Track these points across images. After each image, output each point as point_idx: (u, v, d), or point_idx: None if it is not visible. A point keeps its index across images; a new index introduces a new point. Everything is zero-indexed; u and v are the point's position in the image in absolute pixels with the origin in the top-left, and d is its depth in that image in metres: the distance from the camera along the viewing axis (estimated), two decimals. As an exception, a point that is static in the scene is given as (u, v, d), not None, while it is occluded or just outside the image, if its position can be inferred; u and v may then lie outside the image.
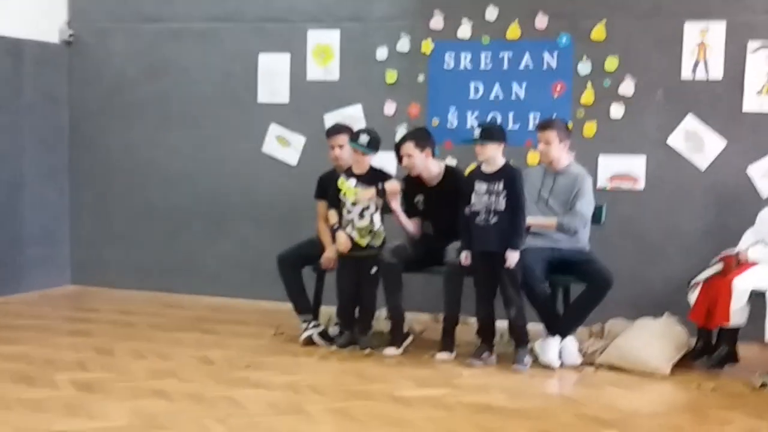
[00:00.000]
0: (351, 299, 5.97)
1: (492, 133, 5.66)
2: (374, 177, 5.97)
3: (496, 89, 6.98)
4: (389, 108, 7.23)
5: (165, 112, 7.89)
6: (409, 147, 6.04)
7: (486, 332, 5.75)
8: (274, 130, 7.54)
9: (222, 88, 7.71)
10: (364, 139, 5.93)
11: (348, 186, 5.96)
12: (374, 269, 5.89)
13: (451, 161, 6.77)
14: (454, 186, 5.92)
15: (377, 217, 5.93)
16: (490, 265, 5.61)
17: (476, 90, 7.03)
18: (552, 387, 5.41)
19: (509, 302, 5.58)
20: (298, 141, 7.48)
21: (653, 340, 5.61)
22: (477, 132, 5.66)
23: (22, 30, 7.66)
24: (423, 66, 7.14)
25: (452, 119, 7.08)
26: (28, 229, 7.77)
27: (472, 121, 6.96)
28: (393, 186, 5.97)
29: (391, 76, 7.22)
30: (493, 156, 5.63)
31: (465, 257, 5.68)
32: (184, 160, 7.84)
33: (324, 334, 6.06)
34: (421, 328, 6.34)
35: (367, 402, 4.80)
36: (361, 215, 5.90)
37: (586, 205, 5.91)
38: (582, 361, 5.68)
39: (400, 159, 6.12)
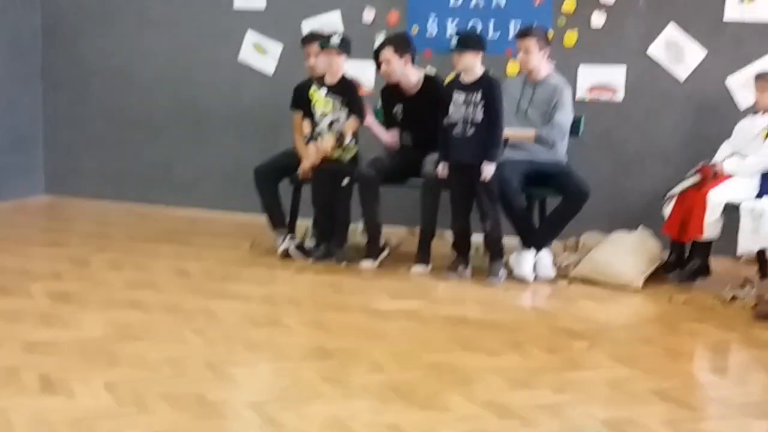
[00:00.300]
0: (325, 212, 5.95)
1: (469, 41, 5.55)
2: (345, 88, 5.89)
3: (477, -4, 6.86)
4: (368, 15, 7.09)
5: (142, 15, 7.71)
6: (387, 52, 5.94)
7: (461, 246, 5.75)
8: (251, 37, 7.40)
9: (199, -9, 7.54)
10: (335, 39, 5.85)
11: (319, 96, 5.89)
12: (345, 181, 5.85)
13: (431, 70, 6.67)
14: (434, 95, 5.84)
15: (342, 121, 5.88)
16: (466, 177, 5.56)
17: (457, -3, 6.89)
18: (526, 300, 5.46)
19: (485, 215, 5.56)
20: (276, 48, 7.35)
21: (626, 253, 5.64)
22: (454, 41, 5.56)
23: (-11, -71, 7.43)
24: (403, -28, 6.99)
25: (432, 27, 6.95)
26: (1, 135, 7.65)
27: (452, 29, 6.84)
28: (325, 143, 5.89)
29: (370, -19, 7.07)
30: (471, 65, 5.53)
31: (442, 168, 5.64)
32: (162, 66, 7.70)
33: (300, 247, 6.06)
34: (398, 241, 6.35)
35: (343, 314, 4.84)
36: (330, 127, 5.87)
37: (565, 117, 5.86)
38: (556, 275, 5.72)
39: (378, 66, 6.03)
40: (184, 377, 3.81)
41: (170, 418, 3.38)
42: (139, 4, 7.70)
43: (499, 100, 5.54)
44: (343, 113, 5.87)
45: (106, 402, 3.50)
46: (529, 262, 5.66)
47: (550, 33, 6.31)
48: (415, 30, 6.95)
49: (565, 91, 5.88)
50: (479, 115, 5.49)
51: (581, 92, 6.62)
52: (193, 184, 7.69)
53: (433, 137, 5.72)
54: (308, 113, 5.95)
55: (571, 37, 6.64)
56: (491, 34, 6.79)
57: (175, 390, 3.63)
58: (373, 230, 5.92)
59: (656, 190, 6.07)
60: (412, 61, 6.00)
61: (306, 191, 6.20)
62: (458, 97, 5.56)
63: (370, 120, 6.04)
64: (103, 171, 7.92)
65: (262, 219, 6.29)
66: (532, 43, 5.84)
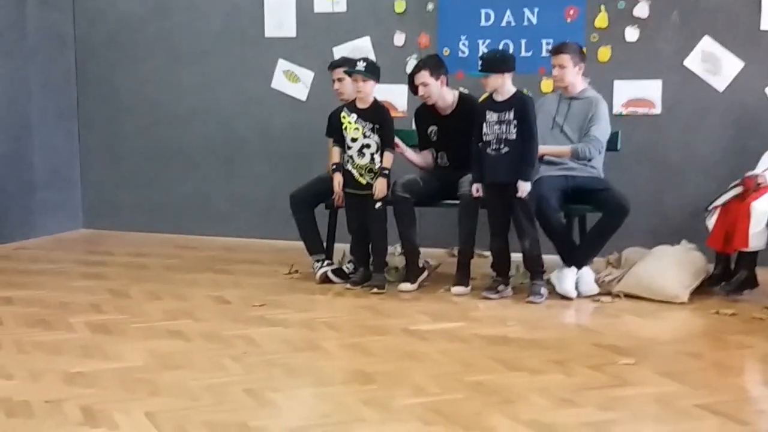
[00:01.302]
0: (361, 236, 5.91)
1: (492, 63, 5.46)
2: (377, 113, 5.82)
3: (508, 15, 6.84)
4: (399, 39, 7.10)
5: (173, 49, 7.79)
6: (424, 76, 5.89)
7: (501, 265, 5.69)
8: (282, 65, 7.43)
9: (229, 23, 7.59)
10: (361, 64, 5.75)
11: (349, 120, 5.83)
12: (378, 205, 5.78)
13: (464, 90, 6.64)
14: (469, 114, 5.79)
15: (378, 157, 5.79)
16: (501, 196, 5.52)
17: (487, 17, 6.88)
18: (569, 317, 5.37)
19: (523, 233, 5.50)
20: (307, 76, 7.37)
21: (670, 267, 5.54)
22: (479, 63, 5.52)
23: (23, -29, 7.55)
24: (432, -6, 6.99)
25: (463, 48, 6.95)
26: (38, 173, 7.75)
27: (483, 49, 6.82)
28: (380, 188, 5.77)
29: (399, 5, 7.08)
30: (500, 86, 5.48)
31: (476, 189, 5.60)
32: (194, 99, 7.76)
33: (338, 272, 6.03)
34: (436, 262, 6.30)
35: (383, 337, 4.78)
36: (361, 153, 5.80)
37: (602, 131, 5.79)
38: (599, 291, 5.63)
39: (414, 89, 6.00)
40: (225, 405, 3.77)
41: (211, 446, 3.35)
42: (170, 39, 7.77)
43: (532, 118, 5.49)
44: (374, 138, 5.80)
45: None
46: (570, 279, 5.58)
47: (584, 49, 6.25)
48: (446, 52, 6.94)
49: (601, 105, 5.82)
50: (513, 134, 5.45)
51: (617, 107, 6.56)
52: (230, 214, 7.72)
53: (469, 157, 5.67)
54: (337, 140, 5.91)
55: (605, 53, 6.60)
56: (523, 52, 6.77)
57: (216, 418, 3.60)
58: (411, 252, 5.87)
59: (698, 202, 5.98)
60: (447, 82, 5.98)
61: (342, 216, 6.17)
62: (491, 116, 5.52)
63: (401, 146, 6.01)
64: (139, 204, 7.98)
65: (299, 245, 6.27)
66: (566, 59, 5.80)
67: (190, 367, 4.30)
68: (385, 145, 5.79)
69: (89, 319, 5.13)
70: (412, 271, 5.88)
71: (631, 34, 6.56)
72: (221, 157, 7.73)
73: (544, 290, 5.54)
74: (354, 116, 5.82)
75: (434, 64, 5.96)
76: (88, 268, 6.68)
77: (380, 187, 5.74)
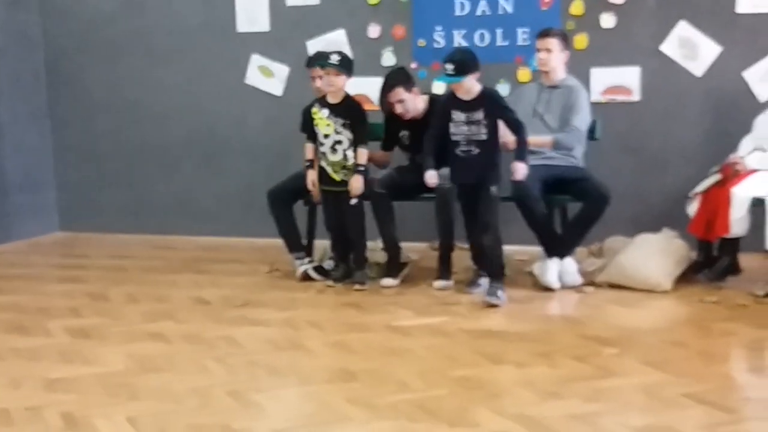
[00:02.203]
0: (339, 233, 5.86)
1: (465, 66, 5.26)
2: (349, 109, 5.69)
3: (483, 5, 6.78)
4: (373, 31, 7.04)
5: (146, 46, 7.70)
6: (399, 92, 5.73)
7: (480, 258, 5.62)
8: (256, 60, 7.36)
9: (202, 18, 7.50)
10: (335, 57, 5.62)
11: (321, 116, 5.72)
12: (354, 201, 5.69)
13: (440, 84, 6.58)
14: None
15: (351, 153, 5.68)
16: (472, 195, 5.40)
17: (462, 6, 6.82)
18: (552, 309, 5.34)
19: (486, 228, 5.35)
20: (282, 71, 7.30)
21: (653, 255, 5.53)
22: (450, 68, 5.26)
23: (-12, -30, 7.45)
24: (406, -15, 6.93)
25: (438, 39, 6.89)
26: (10, 176, 7.64)
27: (459, 40, 6.78)
28: (355, 185, 5.67)
29: (373, -3, 7.02)
30: (471, 86, 5.33)
31: (431, 176, 5.44)
32: (170, 96, 7.67)
33: (319, 269, 5.98)
34: (417, 257, 6.26)
35: (366, 334, 4.74)
36: (333, 149, 5.69)
37: (582, 120, 5.76)
38: (582, 281, 5.60)
39: (390, 106, 5.87)
40: (209, 407, 3.73)
41: (194, 451, 3.30)
42: (143, 37, 7.68)
43: (506, 108, 5.38)
44: (346, 134, 5.68)
45: (129, 437, 3.43)
46: (553, 270, 5.55)
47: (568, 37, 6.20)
48: (422, 43, 6.90)
49: (582, 93, 5.79)
50: (482, 134, 5.32)
51: (595, 95, 6.52)
52: (208, 212, 7.65)
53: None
54: (310, 136, 5.82)
55: (581, 40, 6.56)
56: (500, 41, 6.73)
57: (199, 421, 3.56)
58: (391, 248, 5.83)
59: (679, 189, 5.98)
60: (419, 92, 5.88)
61: (321, 212, 6.11)
62: (458, 116, 5.37)
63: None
64: (116, 205, 7.89)
65: (279, 243, 6.21)
66: (554, 43, 5.77)
67: (172, 369, 4.25)
68: (359, 141, 5.69)
69: (68, 323, 5.05)
70: (393, 266, 5.83)
71: (607, 20, 6.53)
72: (200, 155, 7.65)
73: (501, 293, 5.27)
74: (325, 111, 5.71)
75: (405, 78, 5.84)
76: (65, 271, 6.59)
77: (356, 184, 5.66)
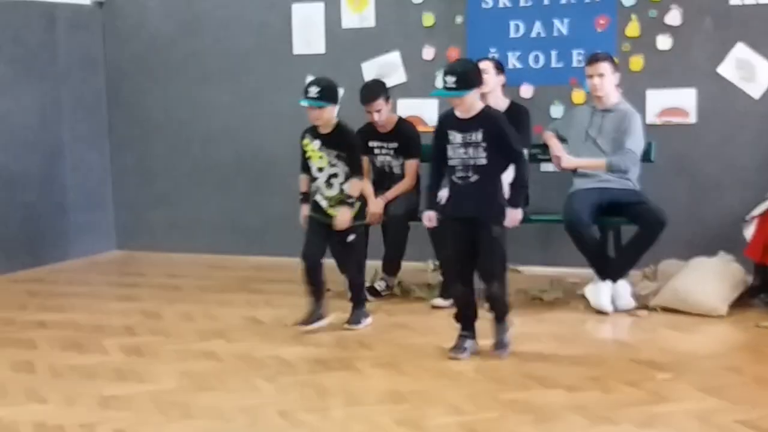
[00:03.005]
0: (315, 266, 5.28)
1: (468, 79, 4.52)
2: (341, 138, 5.19)
3: (538, 26, 6.78)
4: (428, 53, 7.07)
5: (202, 68, 7.81)
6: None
7: (466, 315, 4.76)
8: (312, 82, 7.42)
9: (258, 40, 7.60)
10: (313, 90, 5.08)
11: (312, 148, 5.22)
12: (351, 237, 5.26)
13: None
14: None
15: (348, 187, 5.19)
16: (468, 232, 4.61)
17: (516, 28, 6.82)
18: (605, 332, 5.30)
19: (490, 276, 4.59)
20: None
21: (708, 279, 5.45)
22: (450, 81, 4.51)
23: (54, -6, 7.63)
24: (461, 7, 6.94)
25: (493, 61, 6.89)
26: (71, 195, 7.79)
27: (514, 61, 6.78)
28: (340, 218, 5.19)
29: (428, 19, 7.04)
30: (473, 103, 4.61)
31: (428, 218, 4.84)
32: (224, 117, 7.77)
33: (371, 289, 5.98)
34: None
35: (417, 355, 4.74)
36: (329, 183, 5.21)
37: (636, 144, 5.72)
38: (635, 305, 5.54)
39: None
40: (258, 426, 3.77)
41: (244, 470, 3.33)
42: (199, 57, 7.80)
43: (509, 133, 4.60)
44: (341, 166, 5.19)
45: (180, 455, 3.47)
46: (606, 293, 5.50)
47: (615, 59, 6.17)
48: (476, 65, 6.89)
49: (635, 118, 5.76)
50: (482, 158, 4.53)
51: (651, 117, 6.47)
52: (262, 232, 7.71)
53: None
54: (305, 166, 5.33)
55: (637, 62, 6.52)
56: (554, 63, 6.72)
57: (249, 440, 3.58)
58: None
59: (735, 213, 5.89)
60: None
61: (373, 233, 6.13)
62: (454, 137, 4.61)
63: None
64: (171, 224, 7.99)
65: (331, 263, 6.22)
66: (606, 68, 5.75)
67: (224, 388, 4.29)
68: (353, 172, 5.20)
69: (123, 341, 5.13)
70: (447, 286, 5.81)
71: (664, 42, 6.48)
72: (252, 175, 7.73)
73: (508, 339, 4.72)
74: (317, 143, 5.22)
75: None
76: (121, 290, 6.70)
77: (341, 217, 5.16)
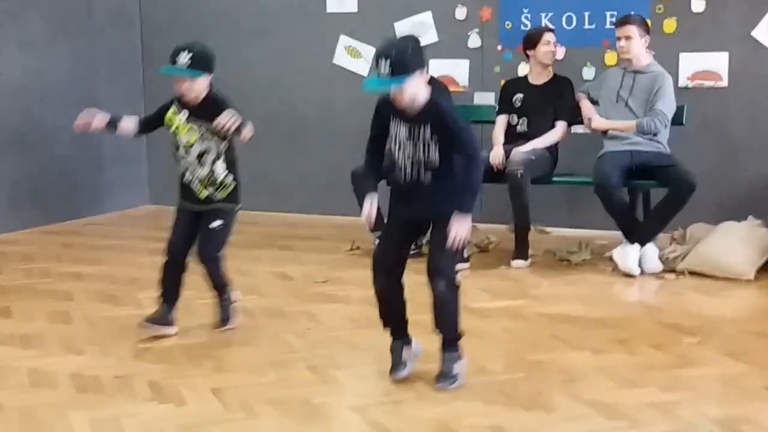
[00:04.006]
0: (178, 266, 4.62)
1: (405, 62, 3.54)
2: (215, 107, 4.38)
3: (571, -13, 6.74)
4: (460, 13, 7.05)
5: (234, 26, 7.83)
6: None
7: (390, 315, 3.96)
8: (344, 41, 7.43)
9: (290, -1, 7.60)
10: (183, 57, 4.31)
11: (178, 120, 4.48)
12: (216, 224, 4.54)
13: (525, 67, 6.59)
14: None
15: (220, 165, 4.47)
16: (412, 233, 3.94)
17: (550, -11, 6.79)
18: (632, 295, 5.33)
19: (438, 272, 3.74)
20: (369, 52, 7.36)
21: (736, 244, 5.45)
22: (384, 68, 3.54)
23: (89, -50, 7.65)
24: (494, -34, 6.91)
25: (525, 21, 6.87)
26: (105, 150, 7.88)
27: (546, 22, 6.74)
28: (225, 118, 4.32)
29: (461, -21, 7.02)
30: (416, 93, 3.63)
31: (365, 215, 3.95)
32: (256, 75, 7.80)
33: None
34: (497, 239, 6.29)
35: (444, 314, 4.79)
36: (200, 161, 4.45)
37: (668, 105, 5.71)
38: (663, 268, 5.56)
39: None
40: (289, 381, 3.84)
41: (277, 423, 3.42)
42: (232, 16, 7.82)
43: (461, 129, 3.65)
44: (214, 142, 4.43)
45: (214, 408, 3.56)
46: (634, 256, 5.52)
47: (647, 22, 6.13)
48: (508, 26, 6.88)
49: (667, 80, 5.74)
50: (434, 156, 3.66)
51: (683, 80, 6.44)
52: (291, 190, 7.77)
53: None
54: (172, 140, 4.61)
55: (670, 24, 6.48)
56: (587, 25, 6.68)
57: (280, 394, 3.67)
58: (522, 228, 5.81)
59: (765, 177, 5.87)
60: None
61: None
62: (399, 129, 3.72)
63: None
64: (203, 179, 8.06)
65: (360, 221, 6.28)
66: (633, 30, 5.73)
67: (255, 343, 4.38)
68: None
69: (156, 295, 5.21)
70: (522, 246, 5.83)
71: (697, 5, 6.42)
72: (283, 134, 7.77)
73: (457, 371, 3.76)
74: (185, 113, 4.46)
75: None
76: (154, 243, 6.74)
77: (225, 118, 4.28)
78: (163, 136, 8.05)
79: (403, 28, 7.02)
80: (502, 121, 6.16)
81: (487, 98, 6.88)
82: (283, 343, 4.35)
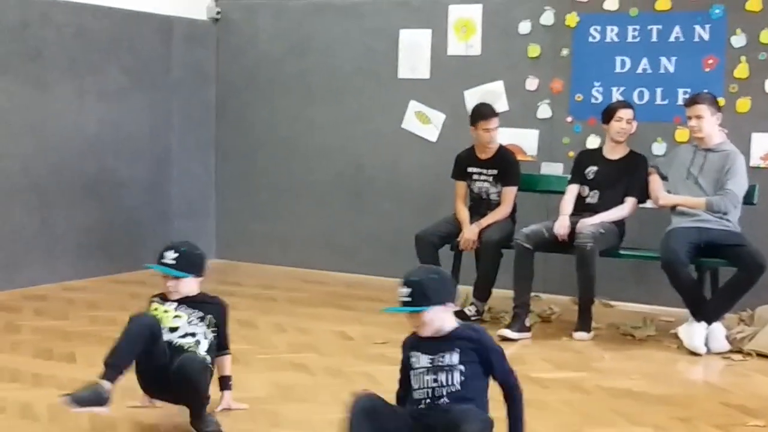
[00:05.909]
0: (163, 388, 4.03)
1: (427, 292, 3.35)
2: (209, 304, 4.22)
3: (644, 63, 6.74)
4: (531, 83, 7.10)
5: (307, 88, 7.98)
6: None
7: None
8: (414, 106, 7.52)
9: (363, 64, 7.73)
10: (170, 256, 4.18)
11: (164, 308, 4.17)
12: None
13: (594, 139, 6.61)
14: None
15: (204, 347, 4.06)
16: None
17: (622, 64, 6.80)
18: (696, 374, 5.23)
19: None
20: (438, 118, 7.44)
21: (806, 328, 5.34)
22: (404, 293, 3.37)
23: (171, 7, 7.89)
24: (567, 40, 6.95)
25: (596, 94, 6.88)
26: (175, 203, 8.04)
27: (618, 96, 6.73)
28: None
29: (533, 50, 7.07)
30: (440, 323, 3.40)
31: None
32: (326, 136, 7.91)
33: (460, 314, 6.02)
34: (560, 310, 6.24)
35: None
36: (184, 338, 4.08)
37: (739, 185, 5.65)
38: (729, 348, 5.44)
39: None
40: (345, 440, 3.81)
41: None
42: (305, 78, 7.96)
43: (496, 355, 3.37)
44: (201, 329, 4.10)
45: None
46: (700, 334, 5.42)
47: (721, 100, 6.09)
48: (579, 98, 6.90)
49: (739, 159, 5.69)
50: (456, 384, 3.30)
51: (755, 160, 6.37)
52: (354, 250, 7.81)
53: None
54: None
55: (744, 104, 6.43)
56: (659, 101, 6.68)
57: (336, 452, 3.65)
58: (585, 300, 5.78)
59: (837, 262, 5.73)
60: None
61: (467, 258, 6.18)
62: (416, 358, 3.47)
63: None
64: (269, 236, 8.16)
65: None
66: (703, 109, 5.69)
67: (313, 400, 4.39)
68: (222, 347, 4.21)
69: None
70: (586, 319, 5.78)
71: (773, 85, 6.39)
72: (349, 194, 7.85)
73: None
74: (172, 303, 4.19)
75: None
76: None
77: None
78: (233, 193, 8.29)
79: (473, 95, 7.09)
80: (573, 190, 6.14)
81: (554, 168, 6.89)
82: (340, 402, 4.31)
